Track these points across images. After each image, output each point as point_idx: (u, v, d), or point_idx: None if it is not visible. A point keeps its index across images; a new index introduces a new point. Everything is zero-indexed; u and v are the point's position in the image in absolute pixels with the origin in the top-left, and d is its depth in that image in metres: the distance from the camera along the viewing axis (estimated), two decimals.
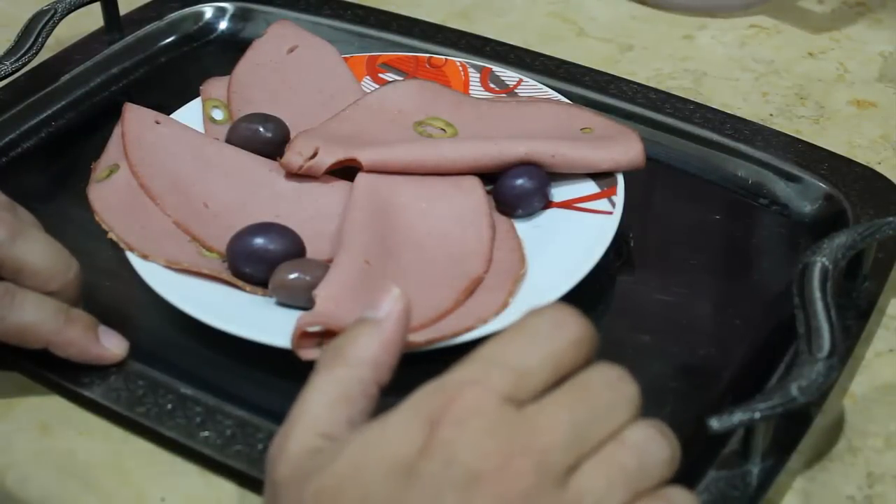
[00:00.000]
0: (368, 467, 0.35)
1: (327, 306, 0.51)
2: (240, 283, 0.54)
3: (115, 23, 0.76)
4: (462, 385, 0.36)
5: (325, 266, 0.53)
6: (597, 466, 0.35)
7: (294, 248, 0.54)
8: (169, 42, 0.77)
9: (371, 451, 0.36)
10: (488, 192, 0.59)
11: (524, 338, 0.37)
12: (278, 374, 0.52)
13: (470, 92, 0.67)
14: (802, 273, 0.50)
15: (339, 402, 0.39)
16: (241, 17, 0.79)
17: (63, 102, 0.70)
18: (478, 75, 0.68)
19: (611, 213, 0.57)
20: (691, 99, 0.69)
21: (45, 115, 0.69)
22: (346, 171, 0.60)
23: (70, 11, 0.71)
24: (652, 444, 0.36)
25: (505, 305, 0.53)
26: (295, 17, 0.76)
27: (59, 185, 0.66)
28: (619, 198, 0.58)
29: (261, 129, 0.61)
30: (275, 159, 0.61)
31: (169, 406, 0.50)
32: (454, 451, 0.35)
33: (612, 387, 0.37)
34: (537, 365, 0.37)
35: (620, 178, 0.59)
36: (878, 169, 0.63)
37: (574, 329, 0.38)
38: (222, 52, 0.77)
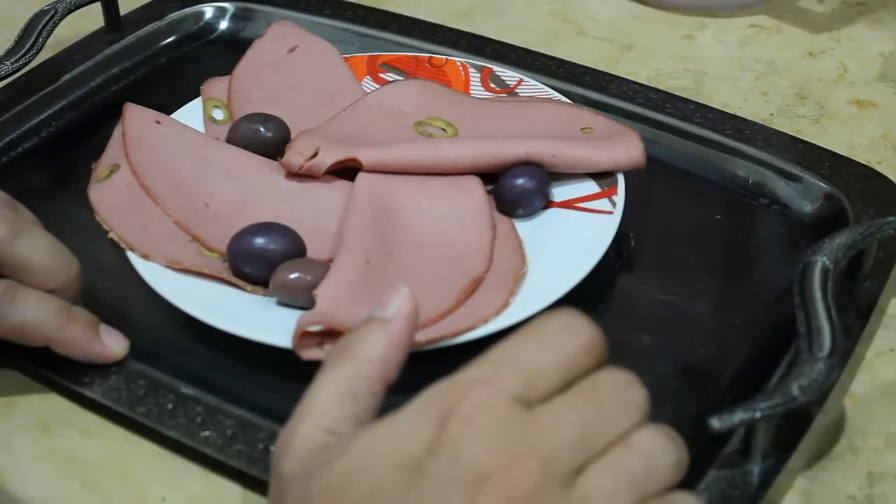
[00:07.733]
0: (375, 463, 0.35)
1: (328, 306, 0.51)
2: (240, 282, 0.54)
3: (115, 23, 0.76)
4: (472, 384, 0.36)
5: (325, 266, 0.53)
6: (603, 469, 0.36)
7: (295, 248, 0.54)
8: (169, 42, 0.77)
9: (379, 447, 0.36)
10: (489, 192, 0.59)
11: (536, 340, 0.38)
12: (279, 374, 0.52)
13: (470, 92, 0.67)
14: (803, 273, 0.50)
15: (345, 398, 0.39)
16: (241, 16, 0.79)
17: (63, 102, 0.70)
18: (478, 75, 0.68)
19: (611, 212, 0.57)
20: (691, 99, 0.69)
21: (45, 115, 0.69)
22: (346, 170, 0.60)
23: (70, 11, 0.71)
24: (659, 449, 0.37)
25: (506, 305, 0.53)
26: (295, 17, 0.76)
27: (59, 185, 0.66)
28: (620, 197, 0.58)
29: (261, 129, 0.61)
30: (275, 159, 0.60)
31: (170, 406, 0.50)
32: (461, 448, 0.35)
33: (621, 391, 0.37)
34: (547, 367, 0.37)
35: (621, 178, 0.59)
36: (879, 169, 0.63)
37: (585, 334, 0.38)
38: (223, 52, 0.76)
